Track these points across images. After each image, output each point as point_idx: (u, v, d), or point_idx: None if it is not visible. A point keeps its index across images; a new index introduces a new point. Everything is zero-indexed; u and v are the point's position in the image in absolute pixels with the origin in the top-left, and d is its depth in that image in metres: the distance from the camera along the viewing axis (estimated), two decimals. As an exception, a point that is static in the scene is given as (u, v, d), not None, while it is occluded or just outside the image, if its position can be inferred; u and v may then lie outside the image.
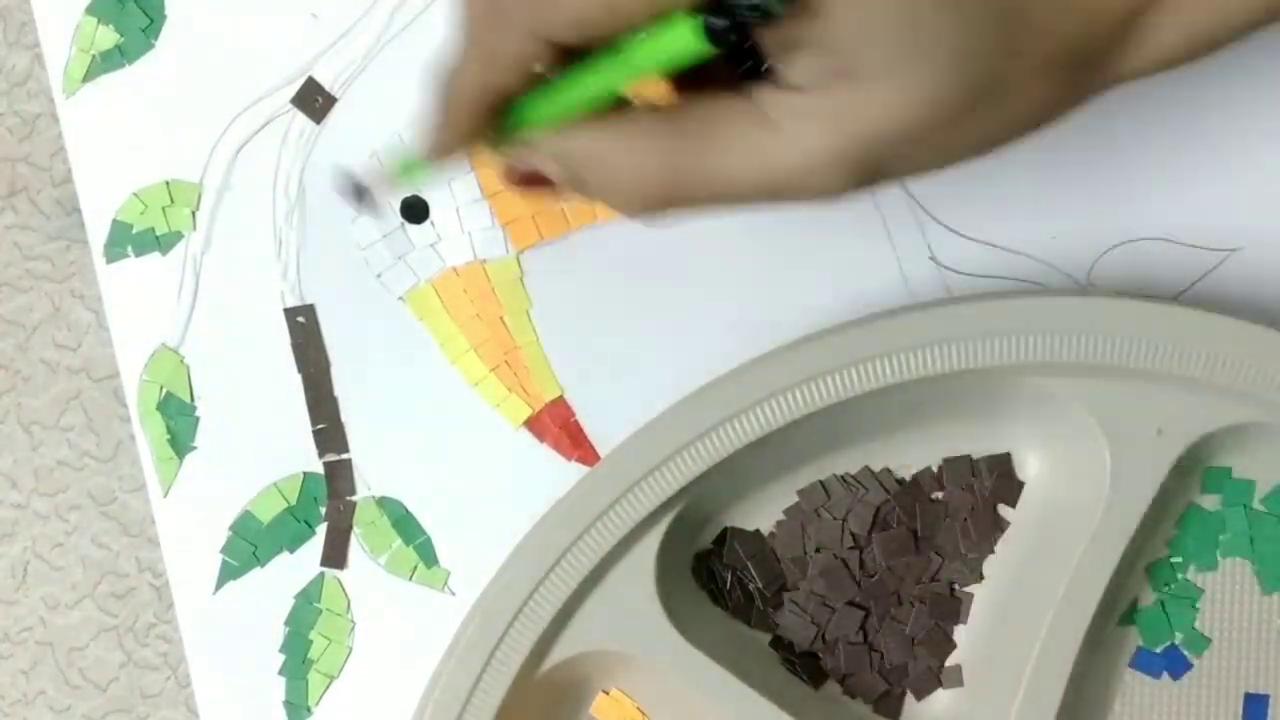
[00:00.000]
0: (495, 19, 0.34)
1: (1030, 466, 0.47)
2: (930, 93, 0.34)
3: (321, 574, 0.49)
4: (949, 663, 0.48)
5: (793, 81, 0.35)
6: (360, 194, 0.39)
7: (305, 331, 0.49)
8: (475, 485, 0.49)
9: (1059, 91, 0.36)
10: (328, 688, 0.49)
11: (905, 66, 0.33)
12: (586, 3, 0.33)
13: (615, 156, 0.36)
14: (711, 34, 0.32)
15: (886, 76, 0.34)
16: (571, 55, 0.35)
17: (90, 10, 0.49)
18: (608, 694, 0.48)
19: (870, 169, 0.35)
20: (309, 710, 0.49)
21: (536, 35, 0.34)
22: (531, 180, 0.37)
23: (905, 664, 0.48)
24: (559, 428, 0.48)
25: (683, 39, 0.32)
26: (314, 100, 0.49)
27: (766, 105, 0.35)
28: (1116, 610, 0.47)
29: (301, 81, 0.49)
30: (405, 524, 0.49)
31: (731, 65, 0.36)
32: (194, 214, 0.49)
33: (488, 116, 0.36)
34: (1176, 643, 0.47)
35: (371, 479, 0.49)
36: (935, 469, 0.48)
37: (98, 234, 0.49)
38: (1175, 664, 0.47)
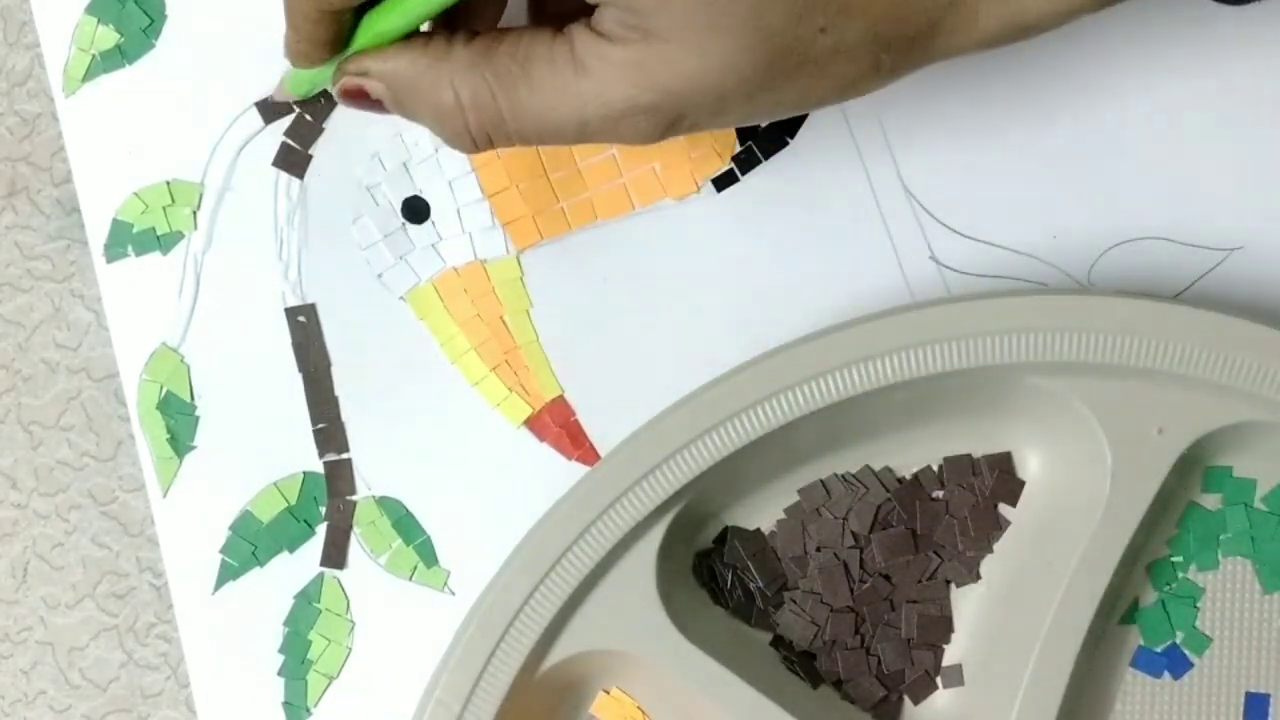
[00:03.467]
0: None
1: (1031, 465, 0.47)
2: (725, 61, 0.35)
3: (321, 574, 0.49)
4: (949, 662, 0.48)
5: (600, 28, 0.36)
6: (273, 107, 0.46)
7: (306, 331, 0.49)
8: (475, 485, 0.49)
9: (869, 69, 0.37)
10: (327, 688, 0.49)
11: (701, 34, 0.35)
12: None
13: (430, 83, 0.37)
14: None
15: (683, 40, 0.35)
16: None
17: (90, 10, 0.49)
18: (608, 693, 0.48)
19: (671, 121, 0.37)
20: (308, 710, 0.49)
21: None
22: (361, 96, 0.39)
23: (902, 669, 0.48)
24: (559, 427, 0.48)
25: None
26: (316, 100, 0.49)
27: (578, 47, 0.36)
28: (1117, 609, 0.47)
29: (302, 81, 0.49)
30: (405, 524, 0.49)
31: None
32: (195, 214, 0.49)
33: (330, 30, 0.38)
34: (1177, 642, 0.47)
35: (372, 479, 0.49)
36: (936, 468, 0.48)
37: (98, 234, 0.49)
38: (1176, 663, 0.47)
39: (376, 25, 0.38)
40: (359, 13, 0.39)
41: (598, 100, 0.36)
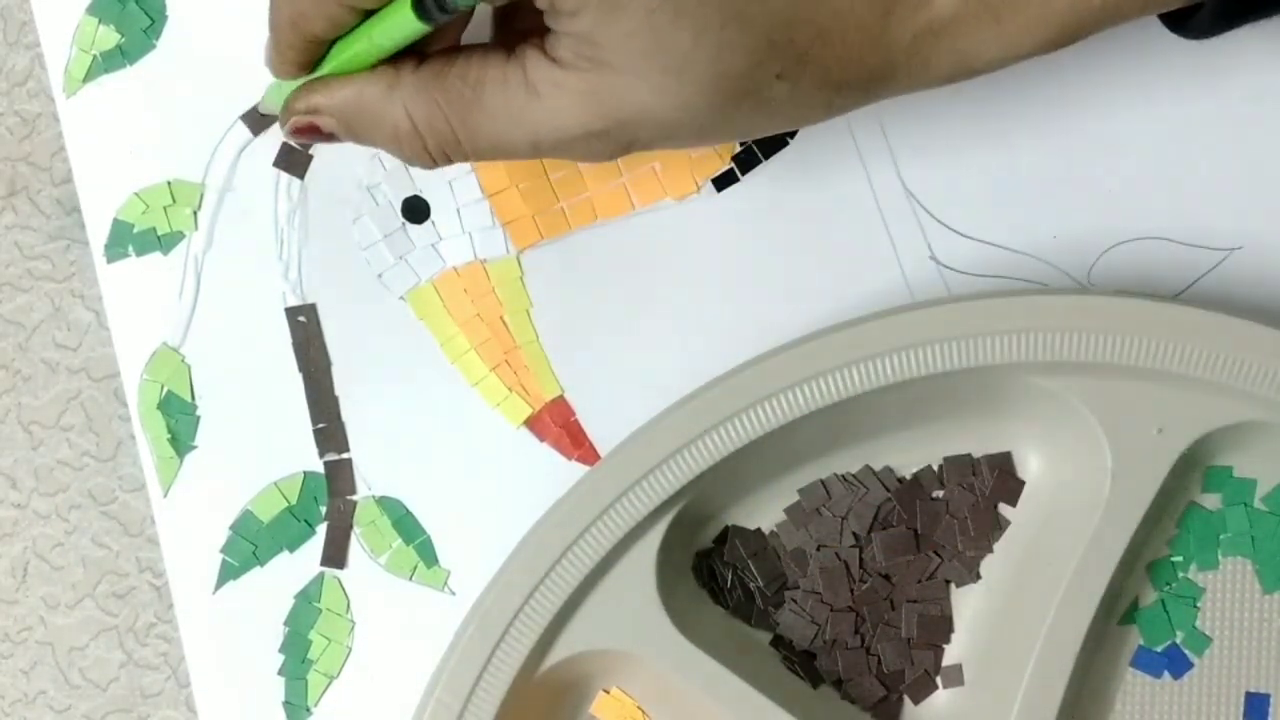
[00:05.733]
0: None
1: (1031, 465, 0.47)
2: (679, 99, 0.36)
3: (321, 574, 0.49)
4: (949, 662, 0.48)
5: (555, 53, 0.37)
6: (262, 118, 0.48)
7: (306, 331, 0.49)
8: (475, 485, 0.49)
9: (819, 109, 0.38)
10: (327, 688, 0.49)
11: (658, 76, 0.36)
12: None
13: (383, 110, 0.38)
14: (423, 14, 0.35)
15: (639, 76, 0.36)
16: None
17: (91, 10, 0.49)
18: (608, 693, 0.48)
19: (623, 145, 0.38)
20: (308, 710, 0.49)
21: (337, 2, 0.37)
22: (311, 131, 0.40)
23: (902, 669, 0.48)
24: (559, 427, 0.48)
25: (404, 18, 0.36)
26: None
27: (530, 71, 0.37)
28: (1117, 609, 0.47)
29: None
30: (405, 524, 0.49)
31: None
32: (196, 214, 0.49)
33: (314, 51, 0.39)
34: (1177, 642, 0.47)
35: (372, 478, 0.49)
36: (936, 468, 0.48)
37: (98, 234, 0.49)
38: (1176, 663, 0.47)
39: (340, 55, 0.40)
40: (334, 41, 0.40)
41: (550, 124, 0.37)
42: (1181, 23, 0.41)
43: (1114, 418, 0.45)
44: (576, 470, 0.48)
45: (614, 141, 0.38)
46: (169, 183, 0.49)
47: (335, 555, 0.49)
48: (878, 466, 0.48)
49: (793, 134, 0.48)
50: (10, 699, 0.50)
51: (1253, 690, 0.47)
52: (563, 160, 0.48)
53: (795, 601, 0.47)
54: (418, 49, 0.39)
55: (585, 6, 0.35)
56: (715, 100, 0.37)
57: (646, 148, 0.38)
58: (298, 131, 0.40)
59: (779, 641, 0.48)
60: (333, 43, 0.40)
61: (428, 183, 0.48)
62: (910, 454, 0.47)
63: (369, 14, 0.38)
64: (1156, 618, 0.47)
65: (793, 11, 0.36)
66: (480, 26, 0.42)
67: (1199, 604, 0.47)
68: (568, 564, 0.44)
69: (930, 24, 0.37)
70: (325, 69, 0.40)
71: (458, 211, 0.49)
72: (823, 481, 0.48)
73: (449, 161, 0.39)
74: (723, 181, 0.48)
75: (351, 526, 0.49)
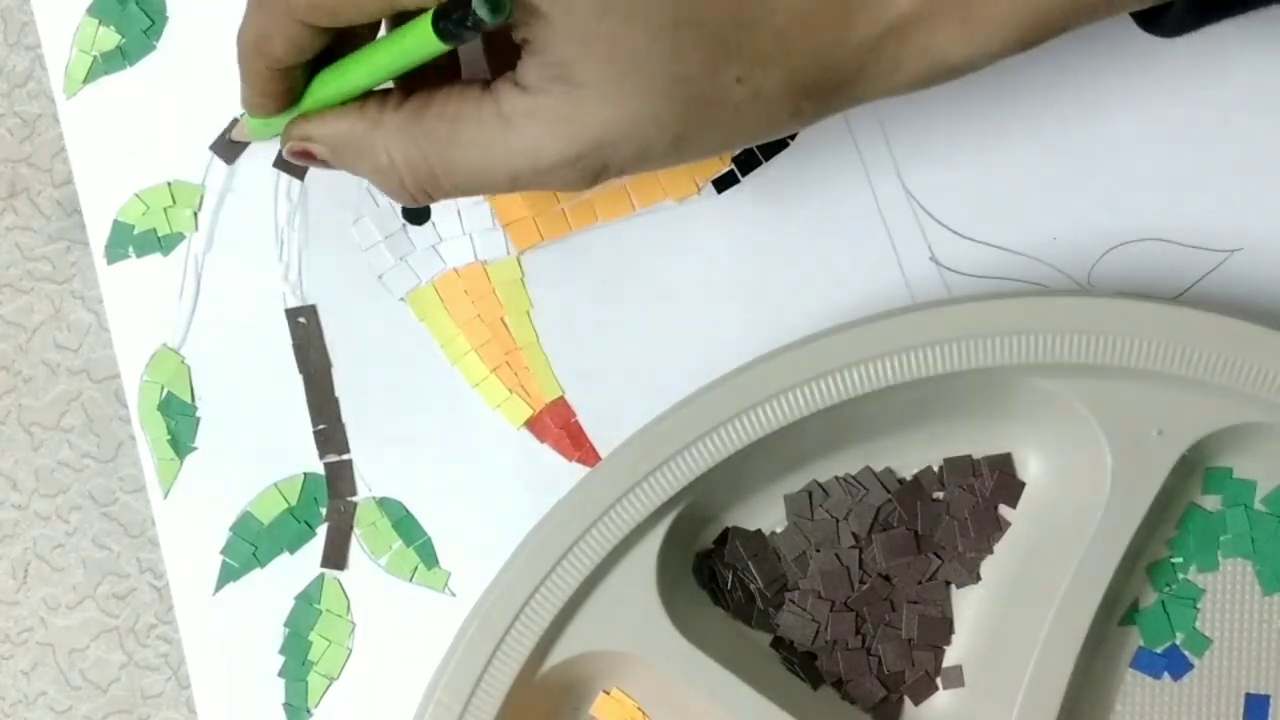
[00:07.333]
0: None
1: (1031, 467, 0.47)
2: (644, 110, 0.36)
3: (322, 575, 0.49)
4: (949, 663, 0.48)
5: (524, 81, 0.37)
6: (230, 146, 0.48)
7: (306, 332, 0.49)
8: (476, 486, 0.49)
9: (788, 116, 0.38)
10: (328, 689, 0.49)
11: (621, 86, 0.36)
12: None
13: (366, 147, 0.39)
14: (443, 33, 0.35)
15: (603, 90, 0.36)
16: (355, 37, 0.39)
17: (91, 11, 0.49)
18: (608, 694, 0.48)
19: (597, 171, 0.37)
20: (309, 712, 0.49)
21: (292, 17, 0.37)
22: (308, 156, 0.41)
23: (903, 670, 0.48)
24: (559, 428, 0.48)
25: (422, 37, 0.35)
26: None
27: (502, 102, 0.37)
28: (1117, 610, 0.47)
29: (303, 82, 0.49)
30: (406, 525, 0.49)
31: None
32: (196, 215, 0.49)
33: (280, 85, 0.40)
34: (1177, 643, 0.47)
35: (372, 480, 0.49)
36: (936, 469, 0.48)
37: (98, 235, 0.49)
38: (1176, 664, 0.47)
39: (321, 91, 0.40)
40: (315, 67, 0.40)
41: (525, 156, 0.37)
42: (1152, 21, 0.40)
43: (1114, 419, 0.45)
44: (577, 471, 0.48)
45: (587, 167, 0.37)
46: (169, 184, 0.49)
47: (335, 556, 0.49)
48: (878, 468, 0.48)
49: (793, 136, 0.48)
50: (11, 700, 0.50)
51: (1252, 691, 0.47)
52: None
53: (795, 603, 0.47)
54: (406, 82, 0.40)
55: (541, 20, 0.35)
56: (678, 108, 0.36)
57: (621, 171, 0.38)
58: (294, 155, 0.41)
59: (779, 643, 0.48)
60: (306, 75, 0.40)
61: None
62: (910, 455, 0.47)
63: (333, 34, 0.38)
64: (1156, 619, 0.47)
65: (747, 12, 0.36)
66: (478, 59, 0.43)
67: (1199, 605, 0.47)
68: (568, 565, 0.45)
69: (894, 21, 0.37)
70: (303, 106, 0.40)
71: (458, 213, 0.49)
72: (822, 483, 0.48)
73: (430, 199, 0.39)
74: (723, 183, 0.48)
75: (352, 528, 0.49)
